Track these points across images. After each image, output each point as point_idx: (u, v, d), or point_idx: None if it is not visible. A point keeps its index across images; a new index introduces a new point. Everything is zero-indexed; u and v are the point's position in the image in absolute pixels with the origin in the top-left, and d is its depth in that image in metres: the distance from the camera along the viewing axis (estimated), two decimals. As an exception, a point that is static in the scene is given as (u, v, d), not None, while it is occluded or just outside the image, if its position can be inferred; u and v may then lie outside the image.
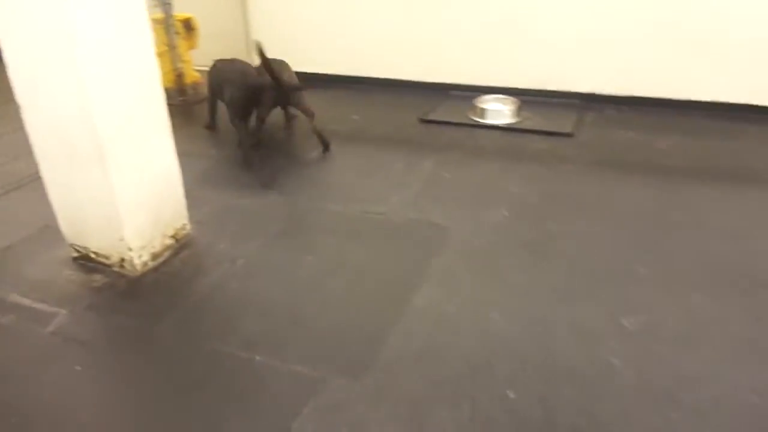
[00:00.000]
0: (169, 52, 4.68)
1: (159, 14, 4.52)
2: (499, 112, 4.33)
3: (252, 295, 2.48)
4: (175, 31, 4.67)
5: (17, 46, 2.27)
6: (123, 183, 2.47)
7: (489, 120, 4.32)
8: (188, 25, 4.81)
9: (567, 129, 4.10)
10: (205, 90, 4.40)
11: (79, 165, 2.44)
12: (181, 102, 4.88)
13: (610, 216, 3.03)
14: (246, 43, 5.28)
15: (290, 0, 5.12)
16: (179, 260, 2.75)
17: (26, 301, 2.48)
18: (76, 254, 2.71)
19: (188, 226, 2.90)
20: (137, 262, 2.60)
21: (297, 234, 2.96)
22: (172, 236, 2.79)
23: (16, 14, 2.19)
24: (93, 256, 2.66)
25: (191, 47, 4.97)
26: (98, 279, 2.61)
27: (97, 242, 2.63)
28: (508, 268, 2.61)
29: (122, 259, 2.60)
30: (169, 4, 4.52)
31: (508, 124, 4.26)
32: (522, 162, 3.70)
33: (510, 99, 4.43)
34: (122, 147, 2.43)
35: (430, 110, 4.54)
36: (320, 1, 5.02)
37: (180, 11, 4.73)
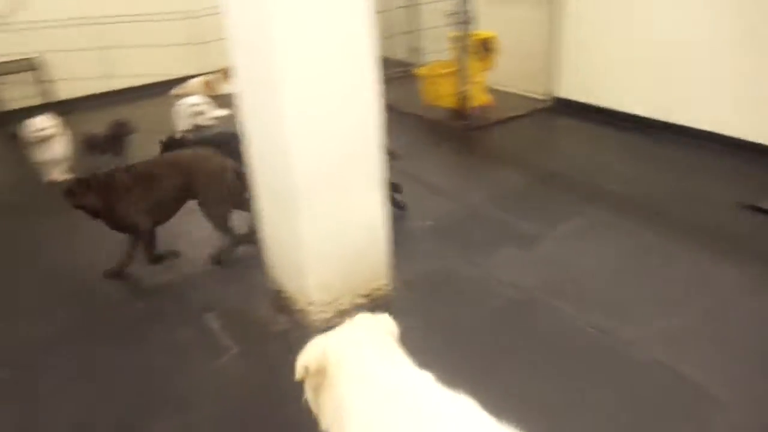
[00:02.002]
0: (458, 73, 4.38)
1: (457, 32, 4.24)
2: None
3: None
4: (470, 51, 4.33)
5: (243, 76, 2.18)
6: (314, 232, 2.22)
7: None
8: (486, 45, 4.43)
9: None
10: (494, 115, 3.85)
11: (280, 203, 2.28)
12: (461, 126, 4.55)
13: None
14: (548, 68, 4.67)
15: (607, 33, 4.29)
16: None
17: (214, 325, 2.46)
18: (274, 288, 2.60)
19: (389, 287, 2.54)
20: (317, 317, 2.34)
21: (503, 331, 2.33)
22: (366, 295, 2.47)
23: (242, 50, 2.09)
24: (285, 296, 2.51)
25: (487, 68, 4.58)
26: (282, 321, 2.45)
27: (288, 284, 2.47)
28: None
29: (305, 309, 2.38)
30: (468, 22, 4.18)
31: None
32: None
33: None
34: (322, 194, 2.18)
35: (765, 193, 3.25)
36: (641, 37, 4.07)
37: (483, 29, 4.38)
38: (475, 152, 3.88)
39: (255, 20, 1.95)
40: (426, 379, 1.25)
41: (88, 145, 3.98)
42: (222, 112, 5.09)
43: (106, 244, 2.91)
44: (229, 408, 2.05)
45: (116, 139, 3.93)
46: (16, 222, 3.53)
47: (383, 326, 1.40)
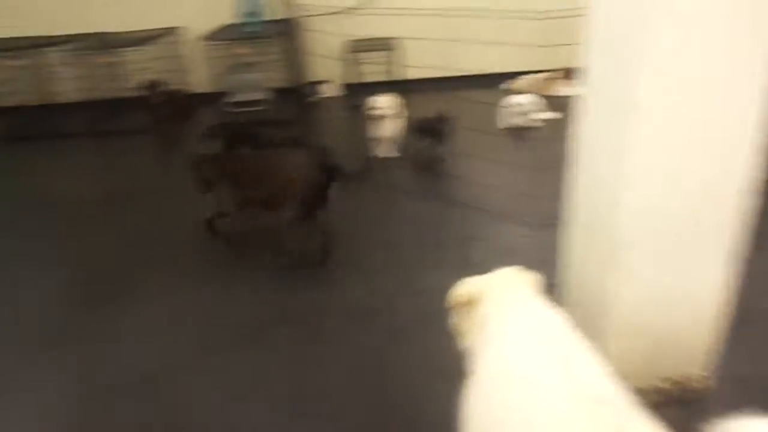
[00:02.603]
0: None
1: None
2: None
3: None
4: None
5: (591, 85, 1.86)
6: (629, 294, 1.81)
7: None
8: None
9: None
10: None
11: (593, 249, 1.93)
12: None
13: None
14: None
15: None
16: (663, 416, 1.92)
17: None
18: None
19: (707, 380, 1.98)
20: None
21: None
22: (674, 382, 1.96)
23: (598, 56, 1.76)
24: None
25: None
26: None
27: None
28: None
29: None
30: None
31: None
32: None
33: None
34: (649, 251, 1.76)
35: None
36: None
37: None
38: None
39: (623, 28, 1.61)
40: (558, 317, 1.44)
41: (417, 129, 4.15)
42: (550, 115, 4.83)
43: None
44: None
45: (438, 128, 4.00)
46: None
47: (527, 276, 1.63)
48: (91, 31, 5.57)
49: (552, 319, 1.44)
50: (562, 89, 5.35)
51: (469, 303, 1.59)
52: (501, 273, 1.65)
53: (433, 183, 3.90)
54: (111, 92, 5.38)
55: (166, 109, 5.19)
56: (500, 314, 1.48)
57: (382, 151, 4.19)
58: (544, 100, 4.85)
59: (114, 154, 4.77)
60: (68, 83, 5.58)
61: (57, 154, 4.91)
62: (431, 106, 4.29)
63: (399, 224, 3.29)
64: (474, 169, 3.83)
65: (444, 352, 1.77)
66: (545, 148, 3.83)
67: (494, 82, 5.75)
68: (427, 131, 4.06)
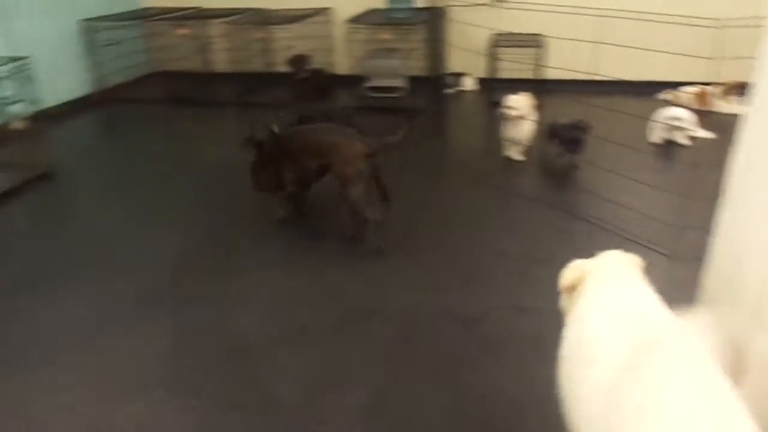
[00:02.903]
0: None
1: None
2: None
3: None
4: None
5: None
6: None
7: None
8: None
9: None
10: None
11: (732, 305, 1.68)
12: None
13: None
14: None
15: None
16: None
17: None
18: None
19: None
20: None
21: None
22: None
23: None
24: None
25: None
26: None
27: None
28: None
29: None
30: None
31: None
32: None
33: None
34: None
35: None
36: None
37: None
38: None
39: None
40: (657, 300, 1.46)
41: (550, 133, 3.93)
42: (703, 134, 4.36)
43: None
44: None
45: (574, 135, 3.75)
46: (454, 185, 3.78)
47: (631, 259, 1.67)
48: (251, 6, 5.91)
49: (653, 301, 1.47)
50: (722, 106, 4.81)
51: (575, 285, 1.63)
52: (607, 255, 1.69)
53: (560, 193, 3.68)
54: (259, 66, 5.69)
55: (307, 86, 5.38)
56: (602, 294, 1.53)
57: (512, 152, 4.03)
58: (697, 117, 4.37)
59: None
60: (223, 54, 5.97)
61: (207, 120, 5.28)
62: (570, 110, 4.04)
63: (514, 232, 3.13)
64: (609, 184, 3.55)
65: (542, 378, 1.64)
66: (694, 171, 3.44)
67: (645, 91, 5.29)
68: (562, 137, 3.83)
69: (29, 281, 2.80)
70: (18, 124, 4.31)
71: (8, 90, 4.27)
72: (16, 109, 4.24)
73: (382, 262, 2.87)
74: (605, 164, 3.71)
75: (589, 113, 3.88)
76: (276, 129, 3.20)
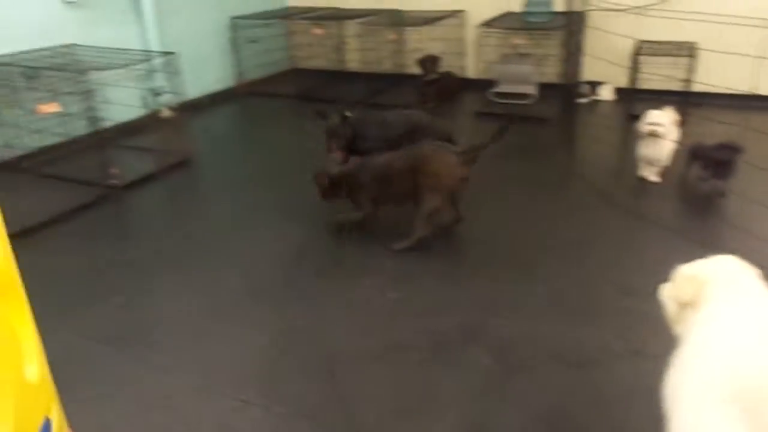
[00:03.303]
0: None
1: None
2: None
3: None
4: None
5: None
6: None
7: None
8: None
9: None
10: None
11: None
12: None
13: None
14: None
15: None
16: None
17: None
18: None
19: None
20: None
21: None
22: None
23: None
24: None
25: None
26: None
27: None
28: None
29: None
30: None
31: None
32: None
33: None
34: None
35: None
36: None
37: None
38: None
39: None
40: None
41: (693, 155, 3.53)
42: None
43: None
44: None
45: (721, 158, 3.32)
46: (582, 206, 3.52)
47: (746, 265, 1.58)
48: (387, 8, 5.95)
49: None
50: None
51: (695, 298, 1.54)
52: (720, 261, 1.61)
53: (700, 224, 3.30)
54: (390, 66, 5.71)
55: (435, 89, 5.32)
56: (729, 301, 1.47)
57: (647, 172, 3.67)
58: None
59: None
60: (356, 54, 6.07)
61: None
62: (719, 128, 3.60)
63: (641, 265, 2.81)
64: (761, 219, 3.11)
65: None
66: None
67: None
68: (707, 159, 3.42)
69: (158, 263, 3.02)
70: (166, 113, 4.70)
71: (159, 82, 4.67)
72: (165, 99, 4.63)
73: (488, 282, 2.73)
74: (757, 195, 3.25)
75: (743, 134, 3.44)
76: (348, 114, 3.25)
